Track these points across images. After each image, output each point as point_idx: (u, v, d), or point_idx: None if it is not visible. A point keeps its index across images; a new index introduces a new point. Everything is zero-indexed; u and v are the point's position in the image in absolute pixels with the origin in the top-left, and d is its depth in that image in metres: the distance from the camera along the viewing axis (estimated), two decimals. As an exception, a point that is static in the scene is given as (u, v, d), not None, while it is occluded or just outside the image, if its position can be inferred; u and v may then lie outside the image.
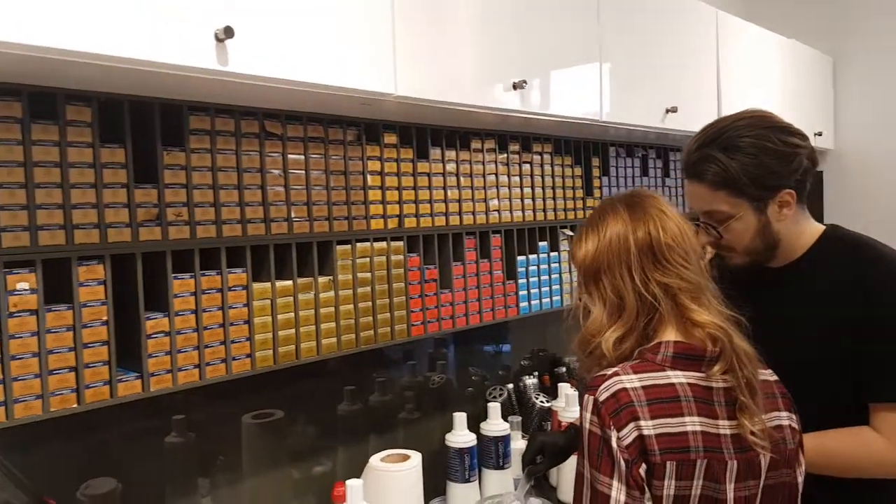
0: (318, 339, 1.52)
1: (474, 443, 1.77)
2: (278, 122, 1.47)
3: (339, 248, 1.58)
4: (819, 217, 3.36)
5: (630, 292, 1.09)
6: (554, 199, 2.19)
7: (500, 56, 1.65)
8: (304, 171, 1.51)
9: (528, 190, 2.10)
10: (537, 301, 2.12)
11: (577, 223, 2.26)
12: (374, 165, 1.66)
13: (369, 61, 1.36)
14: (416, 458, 1.57)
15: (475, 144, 1.93)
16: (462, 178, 1.89)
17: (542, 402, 2.04)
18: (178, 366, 1.30)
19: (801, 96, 3.05)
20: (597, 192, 2.35)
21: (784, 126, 1.35)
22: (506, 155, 2.02)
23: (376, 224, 1.66)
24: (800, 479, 1.14)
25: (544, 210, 2.15)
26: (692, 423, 1.03)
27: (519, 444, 1.90)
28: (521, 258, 2.06)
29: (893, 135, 3.24)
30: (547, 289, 2.15)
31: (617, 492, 1.00)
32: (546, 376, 2.33)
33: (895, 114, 3.23)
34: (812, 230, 1.41)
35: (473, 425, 1.85)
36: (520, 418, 1.99)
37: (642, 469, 1.01)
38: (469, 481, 1.75)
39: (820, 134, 3.17)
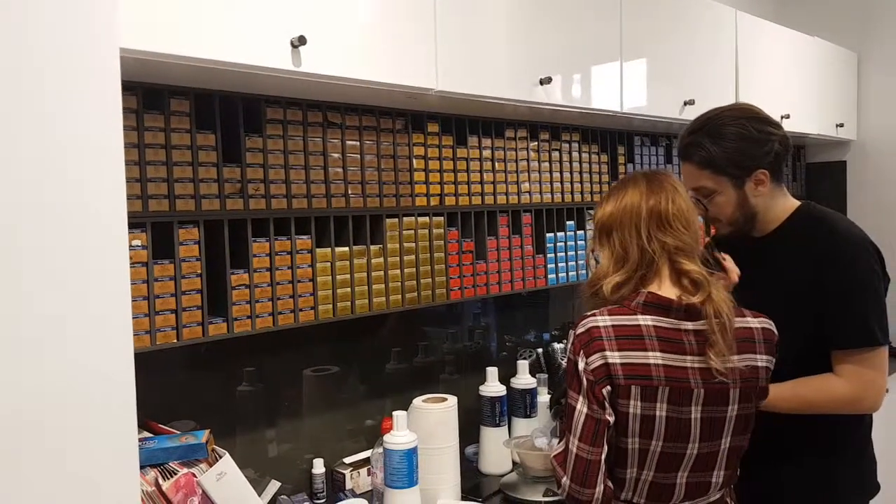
0: (370, 298, 1.74)
1: (504, 392, 1.96)
2: (338, 113, 1.69)
3: (388, 220, 1.79)
4: (842, 205, 3.47)
5: (635, 247, 1.29)
6: (581, 182, 2.37)
7: (529, 54, 1.84)
8: (359, 155, 1.73)
9: (556, 174, 2.27)
10: (564, 274, 2.30)
11: (602, 205, 2.43)
12: (418, 151, 1.87)
13: (414, 61, 1.57)
14: (452, 400, 1.77)
15: (509, 133, 2.12)
16: (496, 163, 2.08)
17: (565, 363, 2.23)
18: (256, 313, 1.53)
19: (824, 90, 3.13)
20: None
21: (762, 117, 1.57)
22: (536, 143, 2.20)
23: (420, 201, 1.87)
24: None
25: (572, 193, 2.33)
26: (654, 357, 1.23)
27: (544, 397, 2.09)
28: (549, 235, 2.25)
29: (915, 126, 3.29)
30: (574, 263, 2.33)
31: (581, 404, 1.23)
32: (572, 343, 2.52)
33: (917, 106, 3.28)
34: (787, 205, 1.61)
35: (505, 381, 2.05)
36: (546, 375, 2.18)
37: (605, 390, 1.22)
38: (499, 425, 1.94)
39: (842, 125, 3.24)
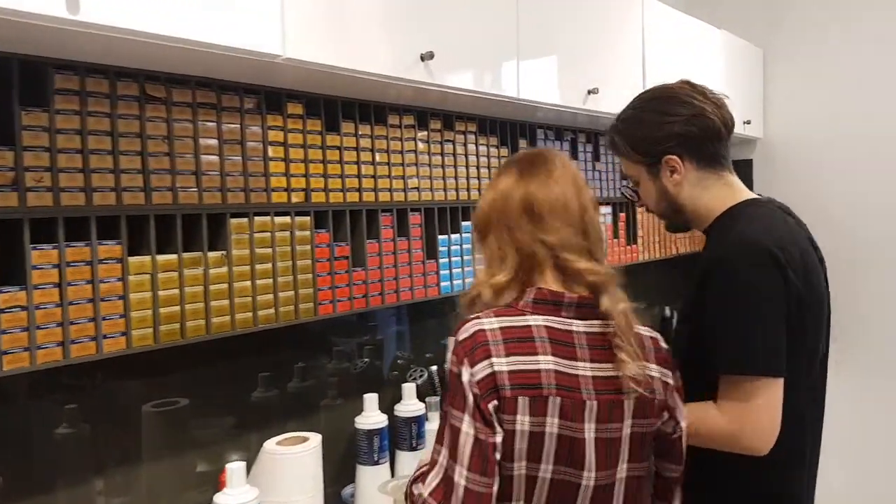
0: (209, 318, 1.36)
1: (384, 424, 1.63)
2: (161, 84, 1.31)
3: (234, 221, 1.42)
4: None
5: (510, 249, 1.09)
6: (479, 178, 2.06)
7: (408, 24, 1.51)
8: (192, 139, 1.35)
9: (450, 169, 1.95)
10: (460, 281, 1.98)
11: (502, 204, 2.14)
12: (275, 136, 1.51)
13: (253, 17, 1.21)
14: (314, 440, 1.42)
15: (392, 120, 1.78)
16: (377, 154, 1.74)
17: (461, 382, 1.91)
18: (38, 343, 1.13)
19: (731, 85, 2.95)
20: (524, 174, 2.22)
21: (668, 96, 1.38)
22: (426, 132, 1.88)
23: (278, 197, 1.51)
24: (667, 430, 1.13)
25: (468, 190, 2.01)
26: (546, 362, 1.02)
27: (435, 424, 1.76)
28: (442, 237, 1.92)
29: (819, 125, 3.16)
30: (471, 269, 2.02)
31: (467, 425, 0.99)
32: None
33: (821, 104, 3.15)
34: (725, 202, 1.37)
35: (391, 408, 1.71)
36: (438, 398, 1.85)
37: (492, 405, 1.00)
38: (378, 463, 1.61)
39: (749, 122, 3.08)
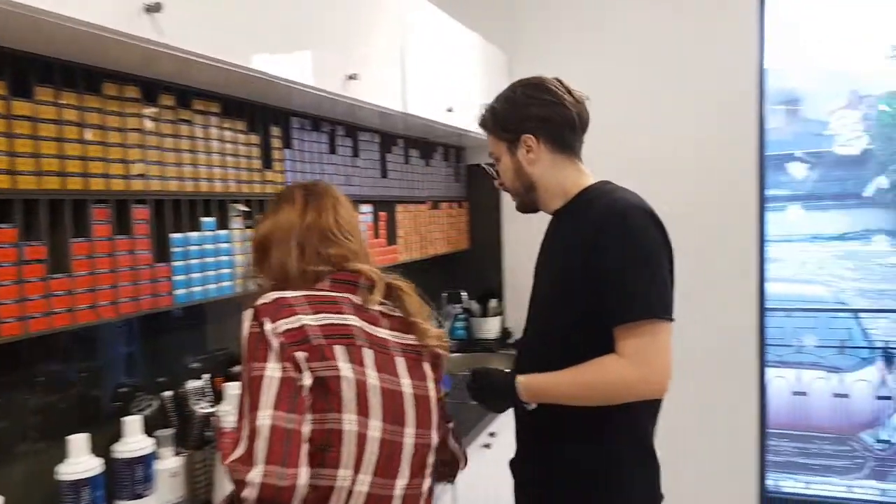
0: None
1: (95, 471, 1.28)
2: None
3: None
4: (499, 208, 3.41)
5: (294, 265, 1.17)
6: (224, 168, 1.76)
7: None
8: None
9: (186, 154, 1.64)
10: (200, 287, 1.67)
11: (252, 197, 1.86)
12: (-74, 94, 1.09)
13: None
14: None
15: (109, 90, 1.43)
16: (88, 131, 1.37)
17: (202, 408, 1.60)
18: None
19: (482, 88, 2.99)
20: (277, 166, 1.97)
21: (537, 84, 1.55)
22: (157, 109, 1.54)
23: (-68, 179, 1.09)
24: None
25: (210, 180, 1.71)
26: (353, 320, 1.11)
27: (168, 462, 1.44)
28: (176, 236, 1.60)
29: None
30: (213, 273, 1.71)
31: (272, 370, 0.99)
32: (219, 378, 1.88)
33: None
34: (580, 182, 1.54)
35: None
36: (171, 431, 1.52)
37: (301, 353, 1.01)
38: (88, 523, 1.25)
39: (499, 125, 3.14)
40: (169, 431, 1.50)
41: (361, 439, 1.03)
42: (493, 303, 3.34)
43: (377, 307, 1.15)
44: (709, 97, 3.03)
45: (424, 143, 2.98)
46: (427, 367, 1.18)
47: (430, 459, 1.17)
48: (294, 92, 1.80)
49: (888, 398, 3.67)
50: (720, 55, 3.04)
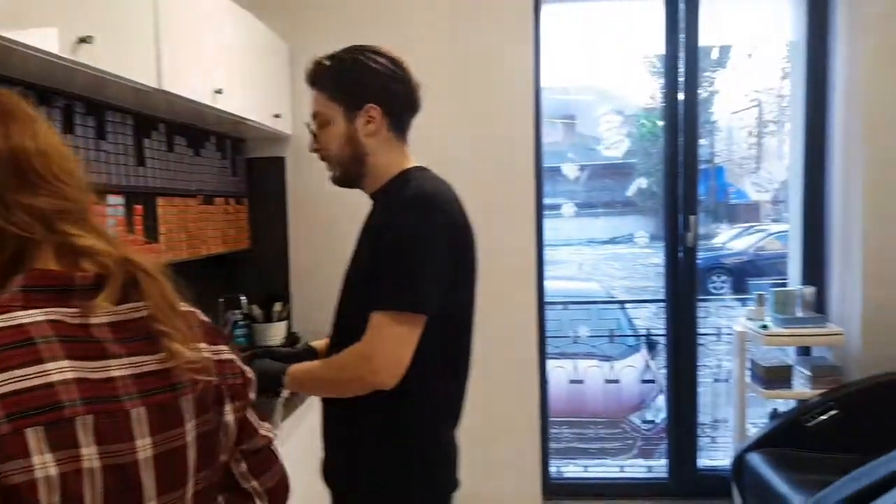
0: None
1: None
2: None
3: None
4: (283, 202, 3.21)
5: None
6: None
7: None
8: None
9: None
10: None
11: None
12: None
13: None
14: None
15: None
16: None
17: None
18: None
19: (260, 74, 2.78)
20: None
21: (392, 57, 1.50)
22: None
23: None
24: (231, 418, 0.91)
25: None
26: (59, 371, 0.72)
27: None
28: None
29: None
30: None
31: None
32: None
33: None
34: (399, 165, 1.51)
35: None
36: None
37: None
38: None
39: (279, 116, 2.96)
40: None
41: None
42: (277, 306, 3.11)
43: (105, 318, 0.78)
44: (489, 111, 3.15)
45: (194, 129, 2.69)
46: (190, 402, 0.83)
47: None
48: (8, 52, 1.48)
49: (652, 381, 4.02)
50: (497, 66, 3.16)
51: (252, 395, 0.96)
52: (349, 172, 1.51)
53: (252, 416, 0.96)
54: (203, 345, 0.88)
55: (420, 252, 1.35)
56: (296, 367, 1.45)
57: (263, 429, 0.98)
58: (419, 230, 1.36)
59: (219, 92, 2.30)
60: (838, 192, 3.28)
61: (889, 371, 2.94)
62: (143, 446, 0.77)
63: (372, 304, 1.34)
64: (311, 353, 1.65)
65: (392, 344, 1.32)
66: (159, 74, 1.96)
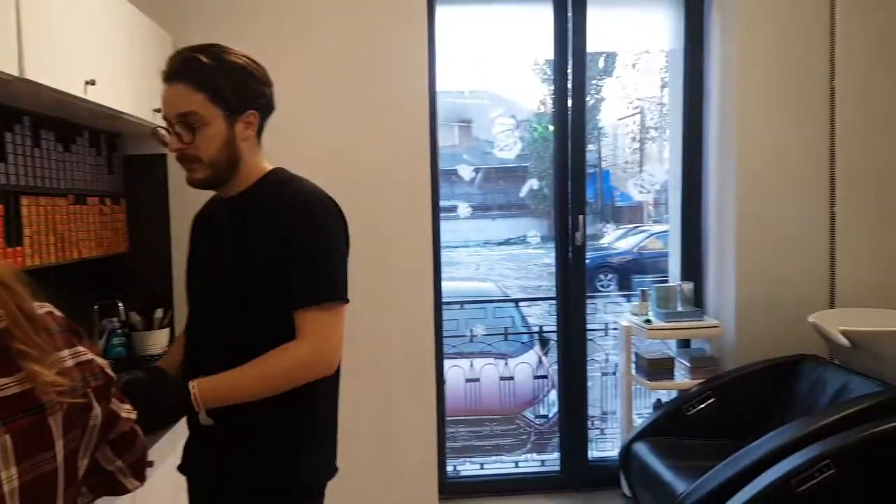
0: None
1: None
2: None
3: None
4: (165, 202, 3.02)
5: None
6: None
7: None
8: None
9: None
10: None
11: None
12: None
13: None
14: None
15: None
16: None
17: None
18: None
19: (139, 67, 2.61)
20: None
21: (262, 68, 1.53)
22: None
23: None
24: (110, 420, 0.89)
25: None
26: None
27: None
28: None
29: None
30: None
31: None
32: None
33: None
34: (262, 167, 1.55)
35: None
36: None
37: None
38: None
39: (159, 110, 2.77)
40: None
41: None
42: (159, 313, 2.92)
43: None
44: (384, 112, 3.13)
45: (65, 123, 2.48)
46: (58, 420, 0.77)
47: None
48: None
49: (544, 377, 4.12)
50: (391, 66, 3.15)
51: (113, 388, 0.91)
52: (219, 175, 1.48)
53: (115, 405, 0.91)
54: (65, 352, 0.82)
55: (330, 246, 1.45)
56: (204, 383, 1.37)
57: (124, 412, 0.94)
58: (325, 227, 1.45)
59: (91, 83, 2.13)
60: (714, 195, 3.50)
61: (760, 360, 3.16)
62: (8, 478, 0.70)
63: (294, 304, 1.41)
64: (160, 375, 1.58)
65: (334, 334, 1.42)
66: (21, 62, 1.79)
